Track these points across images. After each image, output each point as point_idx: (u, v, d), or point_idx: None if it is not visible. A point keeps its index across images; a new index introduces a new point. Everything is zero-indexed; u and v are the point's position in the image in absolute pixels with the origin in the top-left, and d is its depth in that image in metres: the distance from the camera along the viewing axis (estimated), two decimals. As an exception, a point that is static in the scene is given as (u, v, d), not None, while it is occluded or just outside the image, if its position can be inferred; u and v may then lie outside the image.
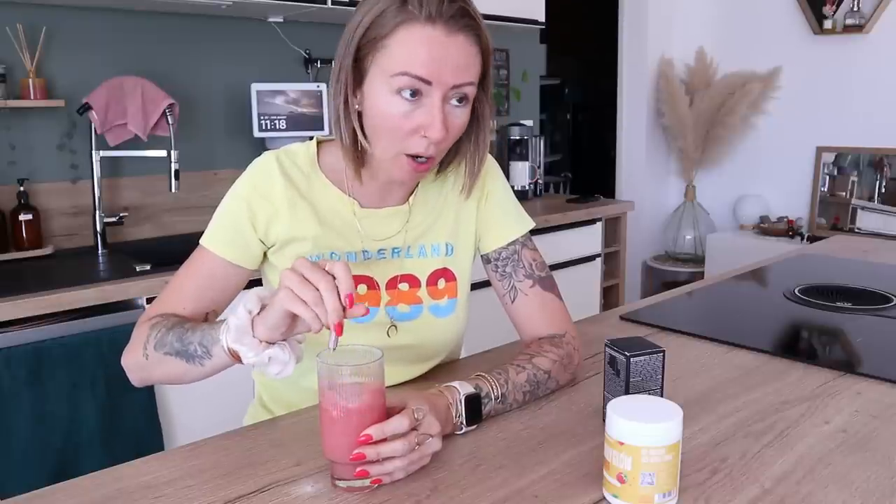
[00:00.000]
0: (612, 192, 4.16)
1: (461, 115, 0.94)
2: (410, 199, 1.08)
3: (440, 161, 1.04)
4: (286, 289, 0.79)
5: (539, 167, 3.23)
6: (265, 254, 1.05)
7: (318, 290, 0.78)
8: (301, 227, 1.02)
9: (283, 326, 0.83)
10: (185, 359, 0.90)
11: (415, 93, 0.90)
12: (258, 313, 0.84)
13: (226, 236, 1.01)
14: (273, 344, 0.84)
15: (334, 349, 0.79)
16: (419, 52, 0.89)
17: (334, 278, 0.79)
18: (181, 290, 1.01)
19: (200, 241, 1.02)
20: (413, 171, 0.95)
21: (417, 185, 1.09)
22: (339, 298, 0.78)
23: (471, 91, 0.93)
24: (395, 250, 1.07)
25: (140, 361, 0.95)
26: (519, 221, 1.14)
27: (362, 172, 1.02)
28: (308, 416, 0.99)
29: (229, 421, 1.08)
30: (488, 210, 1.12)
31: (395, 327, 1.06)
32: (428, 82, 0.89)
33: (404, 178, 0.97)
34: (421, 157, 0.94)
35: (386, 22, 0.89)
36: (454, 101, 0.92)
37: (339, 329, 0.78)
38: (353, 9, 0.95)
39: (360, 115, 0.96)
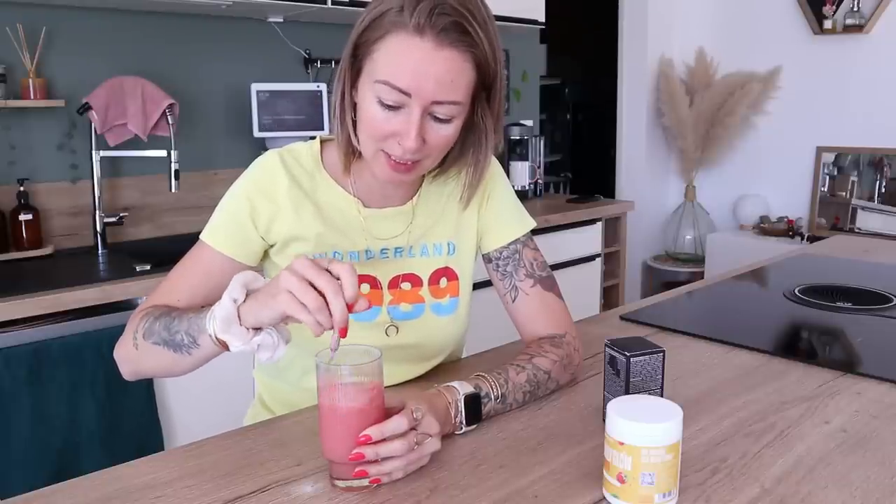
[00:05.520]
0: (612, 192, 4.16)
1: (444, 130, 0.92)
2: (413, 199, 1.08)
3: (440, 165, 1.04)
4: (286, 292, 0.77)
5: (539, 167, 3.22)
6: (266, 252, 1.05)
7: (321, 294, 0.77)
8: (304, 226, 1.02)
9: (276, 323, 0.83)
10: (172, 348, 0.90)
11: (395, 102, 0.89)
12: (244, 301, 0.83)
13: (226, 232, 1.01)
14: (260, 330, 0.84)
15: (335, 351, 0.78)
16: (402, 63, 0.87)
17: (338, 280, 0.78)
18: (177, 283, 1.01)
19: (200, 236, 1.02)
20: (391, 170, 0.94)
21: (421, 185, 1.09)
22: (345, 302, 0.77)
23: (455, 109, 0.91)
24: (398, 250, 1.07)
25: (130, 352, 0.95)
26: (520, 221, 1.14)
27: (363, 170, 1.03)
28: (308, 416, 0.99)
29: (229, 421, 1.08)
30: (490, 209, 1.12)
31: (395, 327, 1.06)
32: (407, 94, 0.88)
33: (384, 177, 0.96)
34: (398, 159, 0.93)
35: (381, 25, 0.89)
36: (437, 116, 0.91)
37: (344, 333, 0.77)
38: (354, 9, 0.95)
39: (356, 107, 0.96)
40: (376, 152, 0.94)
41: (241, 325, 0.83)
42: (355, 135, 0.97)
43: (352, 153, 1.00)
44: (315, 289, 0.77)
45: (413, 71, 0.87)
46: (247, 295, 0.84)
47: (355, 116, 0.96)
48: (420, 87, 0.87)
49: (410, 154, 0.91)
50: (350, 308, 0.77)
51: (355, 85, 0.95)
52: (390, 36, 0.88)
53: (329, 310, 0.77)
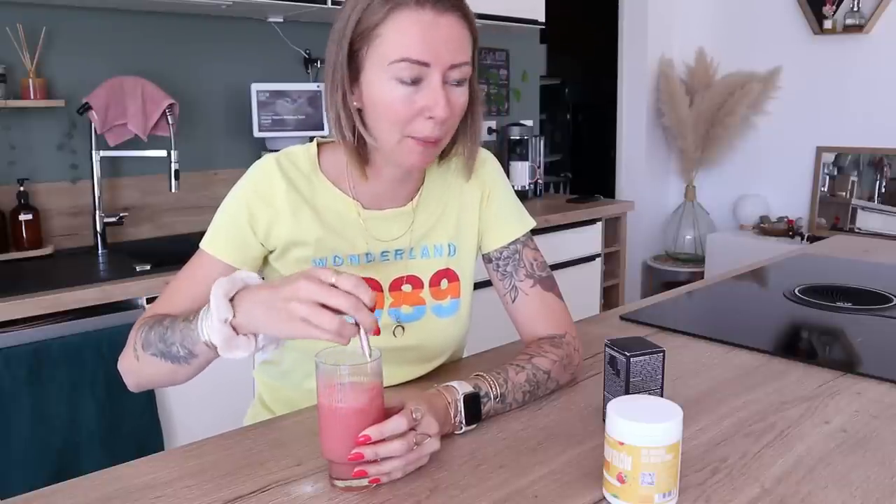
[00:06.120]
0: (612, 192, 4.16)
1: (462, 95, 0.95)
2: (414, 199, 1.08)
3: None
4: (300, 320, 0.77)
5: (539, 167, 3.22)
6: (266, 257, 1.05)
7: (338, 312, 0.77)
8: (303, 230, 1.02)
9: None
10: (169, 360, 0.90)
11: (415, 77, 0.90)
12: (233, 315, 0.83)
13: (225, 239, 1.01)
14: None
15: (370, 355, 0.79)
16: (414, 36, 0.89)
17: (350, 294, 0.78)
18: (178, 292, 1.01)
19: (200, 244, 1.02)
20: (422, 151, 0.95)
21: (421, 186, 1.08)
22: (367, 309, 0.78)
23: (467, 70, 0.94)
24: (399, 252, 1.07)
25: (133, 364, 0.95)
26: (520, 221, 1.14)
27: (367, 171, 1.02)
28: (308, 416, 0.99)
29: (229, 421, 1.08)
30: (490, 209, 1.12)
31: (402, 327, 1.06)
32: (426, 64, 0.90)
33: (414, 161, 0.96)
34: (427, 138, 0.93)
35: (375, 12, 0.90)
36: (453, 81, 0.93)
37: (377, 330, 0.80)
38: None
39: (359, 111, 0.96)
40: (401, 140, 0.94)
41: (239, 334, 0.84)
42: (369, 134, 0.96)
43: (364, 158, 1.00)
44: (328, 307, 0.77)
45: (425, 41, 0.89)
46: (231, 298, 0.84)
47: (362, 119, 0.96)
48: (436, 53, 0.90)
49: (440, 127, 0.93)
50: (373, 310, 0.79)
51: (356, 85, 0.94)
52: (392, 16, 0.89)
53: (347, 321, 0.78)
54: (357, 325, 0.78)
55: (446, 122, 0.93)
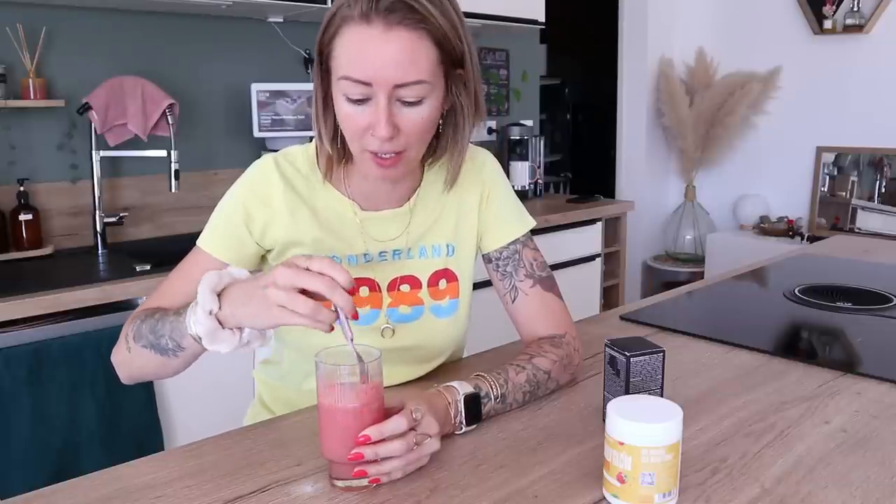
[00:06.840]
0: (612, 192, 4.16)
1: (416, 114, 0.90)
2: (411, 199, 1.07)
3: (435, 153, 1.03)
4: (277, 307, 0.78)
5: (539, 167, 3.22)
6: (264, 257, 1.05)
7: (312, 298, 0.77)
8: (301, 231, 1.02)
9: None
10: (159, 352, 0.91)
11: (361, 95, 0.88)
12: (219, 308, 0.84)
13: (221, 238, 1.01)
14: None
15: (352, 339, 0.79)
16: (356, 55, 0.87)
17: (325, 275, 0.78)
18: (172, 288, 1.01)
19: (196, 242, 1.02)
20: (377, 166, 0.93)
21: (419, 186, 1.08)
22: (344, 290, 0.78)
23: (422, 89, 0.88)
24: (396, 252, 1.07)
25: (125, 356, 0.97)
26: (520, 221, 1.14)
27: (355, 172, 1.02)
28: (308, 416, 0.99)
29: (229, 421, 1.08)
30: (489, 209, 1.12)
31: (392, 329, 1.06)
32: (368, 84, 0.87)
33: (376, 174, 0.95)
34: (378, 153, 0.92)
35: (334, 23, 0.89)
36: (406, 100, 0.89)
37: (356, 315, 0.79)
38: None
39: None
40: (361, 151, 0.93)
41: (224, 328, 0.84)
42: (340, 138, 0.97)
43: (336, 159, 1.00)
44: (306, 291, 0.78)
45: (368, 60, 0.86)
46: (219, 294, 0.85)
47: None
48: (378, 74, 0.86)
49: (388, 144, 0.90)
50: (352, 292, 0.79)
51: (329, 90, 0.94)
52: (342, 30, 0.88)
53: (325, 307, 0.78)
54: (336, 310, 0.79)
55: (395, 140, 0.90)
